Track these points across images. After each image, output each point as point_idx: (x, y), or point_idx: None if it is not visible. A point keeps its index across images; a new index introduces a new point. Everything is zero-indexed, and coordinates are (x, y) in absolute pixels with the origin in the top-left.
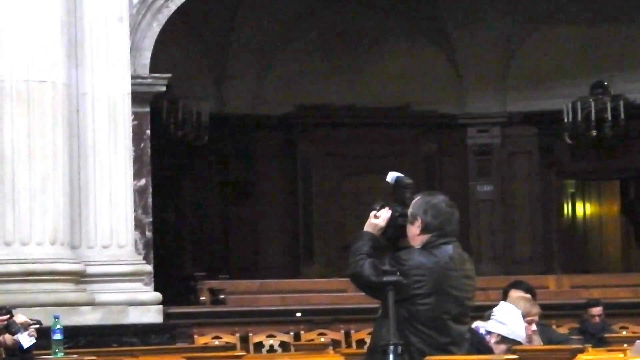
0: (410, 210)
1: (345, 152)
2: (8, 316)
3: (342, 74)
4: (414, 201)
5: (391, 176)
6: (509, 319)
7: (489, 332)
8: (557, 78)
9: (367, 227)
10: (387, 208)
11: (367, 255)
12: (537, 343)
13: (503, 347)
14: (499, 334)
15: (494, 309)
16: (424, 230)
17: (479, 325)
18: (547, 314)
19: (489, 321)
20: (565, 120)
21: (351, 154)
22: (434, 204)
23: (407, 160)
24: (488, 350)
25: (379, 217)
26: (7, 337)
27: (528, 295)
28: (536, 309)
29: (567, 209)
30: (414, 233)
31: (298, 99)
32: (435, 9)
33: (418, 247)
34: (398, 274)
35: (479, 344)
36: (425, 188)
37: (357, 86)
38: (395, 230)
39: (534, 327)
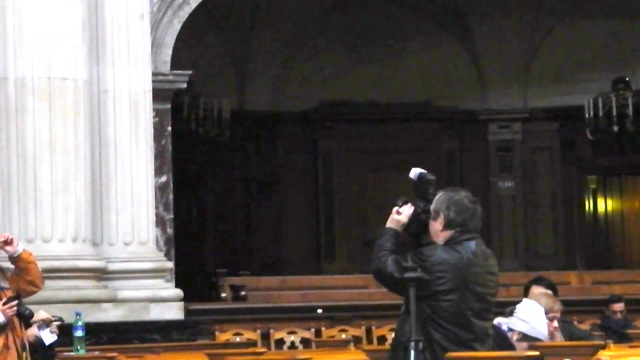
0: (432, 206)
1: (367, 148)
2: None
3: (364, 69)
4: (436, 197)
5: (414, 172)
6: (531, 316)
7: (511, 329)
8: (578, 73)
9: (389, 223)
10: (409, 204)
11: (390, 252)
12: (559, 339)
13: (525, 344)
14: (520, 332)
15: (517, 306)
16: (447, 226)
17: (501, 322)
18: (569, 310)
19: (511, 318)
20: (587, 115)
21: (373, 150)
22: (457, 200)
23: (429, 156)
24: (510, 347)
25: (402, 214)
26: (29, 334)
27: (549, 292)
28: (558, 305)
29: (588, 204)
30: (437, 229)
31: (320, 95)
32: (458, 4)
33: (441, 243)
34: (420, 270)
35: (502, 341)
36: (446, 184)
37: (378, 82)
38: (418, 226)
39: (555, 323)
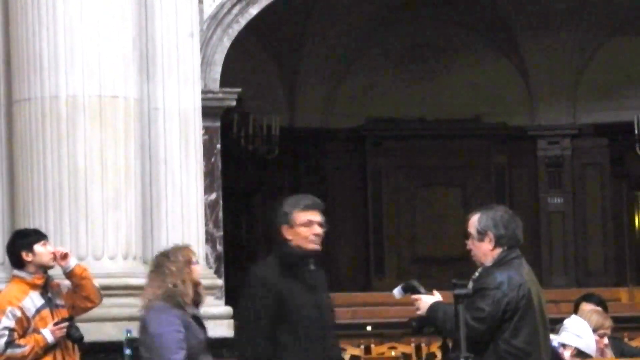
0: (476, 228)
1: (416, 164)
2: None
3: (413, 86)
4: (476, 218)
5: (397, 291)
6: (584, 332)
7: (563, 345)
8: (627, 89)
9: (427, 304)
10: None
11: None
12: (609, 356)
13: None
14: (575, 347)
15: (565, 322)
16: (497, 243)
17: (552, 338)
18: (619, 327)
19: (563, 334)
20: (636, 131)
21: (422, 166)
22: (500, 216)
23: (478, 172)
24: None
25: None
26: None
27: (600, 308)
28: (608, 322)
29: (638, 220)
30: (486, 249)
31: (369, 111)
32: (506, 21)
33: (489, 263)
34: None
35: (554, 358)
36: (496, 200)
37: (427, 98)
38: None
39: (605, 340)
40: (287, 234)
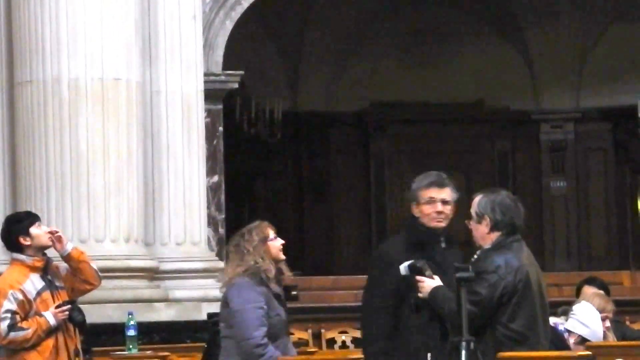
0: (475, 210)
1: (419, 149)
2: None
3: (416, 71)
4: (477, 201)
5: (403, 268)
6: (591, 320)
7: (568, 331)
8: (631, 74)
9: (429, 288)
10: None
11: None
12: (611, 339)
13: (581, 348)
14: (579, 335)
15: (574, 308)
16: (494, 227)
17: (557, 322)
18: (622, 310)
19: (570, 320)
20: None
21: (425, 151)
22: (500, 201)
23: (481, 156)
24: (567, 348)
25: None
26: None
27: (602, 292)
28: (610, 306)
29: None
30: (483, 232)
31: (372, 96)
32: (510, 6)
33: (487, 247)
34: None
35: (559, 342)
36: (499, 184)
37: (431, 83)
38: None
39: (607, 323)
40: (415, 211)
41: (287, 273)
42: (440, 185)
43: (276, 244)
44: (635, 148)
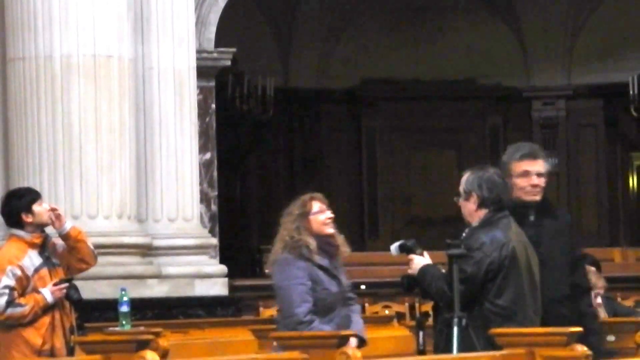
0: (463, 187)
1: (410, 126)
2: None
3: (407, 47)
4: (465, 178)
5: (394, 248)
6: None
7: None
8: (623, 50)
9: (421, 263)
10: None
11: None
12: (602, 316)
13: None
14: None
15: None
16: (481, 204)
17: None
18: (613, 287)
19: None
20: (631, 92)
21: (416, 128)
22: (487, 178)
23: (472, 133)
24: None
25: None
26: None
27: (593, 268)
28: (601, 282)
29: (632, 181)
30: (471, 209)
31: (364, 72)
32: None
33: (476, 224)
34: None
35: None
36: (490, 162)
37: (423, 60)
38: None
39: (599, 300)
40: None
41: (343, 247)
42: (534, 156)
43: (319, 217)
44: (627, 125)
